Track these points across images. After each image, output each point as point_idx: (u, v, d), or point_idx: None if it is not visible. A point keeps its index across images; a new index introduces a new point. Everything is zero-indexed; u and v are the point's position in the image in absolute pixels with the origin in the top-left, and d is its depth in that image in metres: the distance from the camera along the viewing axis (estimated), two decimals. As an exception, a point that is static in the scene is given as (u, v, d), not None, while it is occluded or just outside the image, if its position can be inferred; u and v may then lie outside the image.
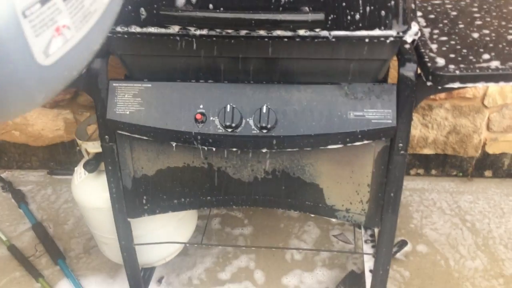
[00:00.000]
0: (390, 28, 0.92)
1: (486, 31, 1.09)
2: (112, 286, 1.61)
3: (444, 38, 1.06)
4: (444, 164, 2.00)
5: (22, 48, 0.46)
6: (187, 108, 1.05)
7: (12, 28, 0.45)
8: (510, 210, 1.85)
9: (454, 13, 1.18)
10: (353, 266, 1.64)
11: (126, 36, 0.96)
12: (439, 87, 0.97)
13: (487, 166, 1.99)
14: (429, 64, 0.97)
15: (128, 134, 1.10)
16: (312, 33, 0.91)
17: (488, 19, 1.14)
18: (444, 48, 1.02)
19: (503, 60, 0.97)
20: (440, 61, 0.98)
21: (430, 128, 1.89)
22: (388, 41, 0.92)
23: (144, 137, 1.10)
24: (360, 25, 0.91)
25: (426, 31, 1.10)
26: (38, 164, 2.14)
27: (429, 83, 0.98)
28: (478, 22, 1.13)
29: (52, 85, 0.53)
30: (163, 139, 1.10)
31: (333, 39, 0.92)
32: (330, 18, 0.90)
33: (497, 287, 1.57)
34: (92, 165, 1.31)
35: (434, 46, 1.03)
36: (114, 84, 1.07)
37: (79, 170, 1.41)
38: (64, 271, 1.64)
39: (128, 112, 1.06)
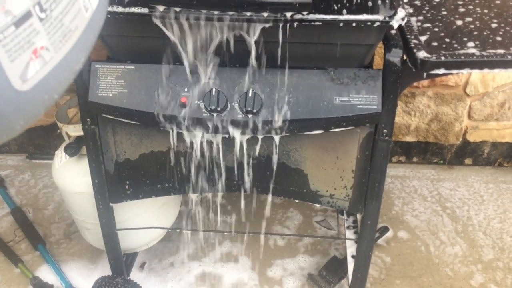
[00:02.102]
0: (377, 12, 0.91)
1: (470, 19, 1.09)
2: (93, 271, 1.59)
3: (428, 25, 1.06)
4: (426, 151, 2.02)
5: None
6: (171, 91, 1.03)
7: None
8: (489, 197, 1.88)
9: (438, -1, 1.18)
10: (335, 252, 1.65)
11: (108, 16, 0.93)
12: (425, 73, 0.98)
13: (467, 154, 2.02)
14: (414, 50, 0.97)
15: (111, 117, 1.08)
16: (299, 16, 0.90)
17: (471, 7, 1.14)
18: (429, 35, 1.03)
19: (488, 47, 0.98)
20: (426, 48, 0.98)
21: (412, 116, 1.90)
22: (374, 25, 0.91)
23: (127, 121, 1.09)
24: (347, 9, 0.90)
25: (412, 18, 1.10)
26: (16, 148, 2.10)
27: (414, 69, 0.98)
28: (462, 10, 1.13)
29: (32, 111, 0.48)
30: (146, 122, 1.08)
31: (320, 23, 0.91)
32: (317, 1, 0.89)
33: (476, 272, 1.60)
34: (73, 149, 1.29)
35: (419, 33, 1.03)
36: (96, 66, 1.05)
37: (60, 153, 1.38)
38: (44, 256, 1.62)
39: (110, 95, 1.04)
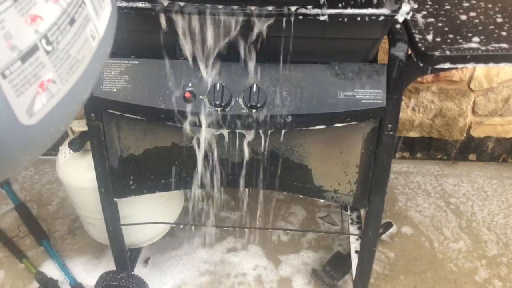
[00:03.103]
0: (382, 6, 0.91)
1: (474, 13, 1.09)
2: (97, 267, 1.59)
3: (432, 20, 1.06)
4: (429, 147, 2.02)
5: (2, 111, 0.41)
6: (175, 86, 1.03)
7: None
8: (493, 193, 1.88)
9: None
10: (339, 247, 1.65)
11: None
12: (430, 68, 0.97)
13: (471, 149, 2.02)
14: (419, 45, 0.97)
15: (115, 112, 1.08)
16: (304, 11, 0.90)
17: (474, 1, 1.14)
18: (433, 29, 1.02)
19: (493, 42, 0.97)
20: (430, 42, 0.97)
21: (416, 111, 1.90)
22: (379, 19, 0.91)
23: (131, 116, 1.08)
24: (352, 3, 0.90)
25: (417, 13, 1.09)
26: (20, 144, 2.10)
27: (419, 64, 0.97)
28: (466, 4, 1.13)
29: (38, 145, 0.47)
30: (150, 117, 1.08)
31: (325, 17, 0.90)
32: (322, -5, 0.89)
33: (480, 268, 1.59)
34: (77, 144, 1.29)
35: (423, 27, 1.03)
36: (100, 61, 1.05)
37: (64, 149, 1.38)
38: (49, 252, 1.62)
39: (115, 90, 1.04)
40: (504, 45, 0.96)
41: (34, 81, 0.44)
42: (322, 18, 0.90)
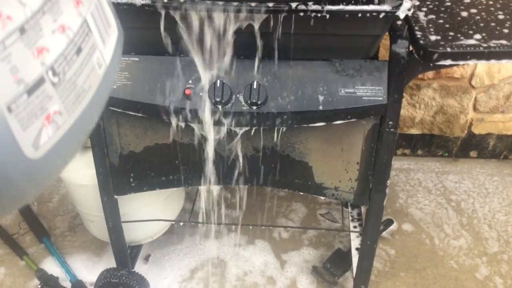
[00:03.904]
0: (383, 3, 0.91)
1: (475, 10, 1.08)
2: (98, 264, 1.60)
3: (433, 16, 1.06)
4: (430, 144, 2.01)
5: (8, 146, 0.40)
6: (176, 83, 1.03)
7: None
8: (494, 190, 1.88)
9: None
10: (340, 244, 1.65)
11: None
12: (431, 64, 0.97)
13: (472, 146, 2.01)
14: (421, 41, 0.97)
15: (115, 109, 1.08)
16: (305, 7, 0.89)
17: (475, -3, 1.14)
18: (434, 26, 1.02)
19: (494, 38, 0.97)
20: (432, 38, 0.97)
21: (417, 108, 1.89)
22: (380, 16, 0.91)
23: (132, 113, 1.08)
24: (353, -1, 0.90)
25: (418, 10, 1.09)
26: (21, 141, 2.10)
27: (420, 60, 0.97)
28: (467, 1, 1.12)
29: (44, 177, 0.46)
30: (151, 114, 1.08)
31: (326, 14, 0.90)
32: (323, -9, 0.88)
33: (481, 265, 1.59)
34: (77, 142, 1.29)
35: (425, 24, 1.02)
36: (100, 58, 1.05)
37: (64, 146, 1.38)
38: (49, 249, 1.62)
39: (115, 87, 1.04)
40: (506, 42, 0.96)
41: (41, 114, 0.43)
42: (322, 14, 0.90)
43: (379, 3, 0.90)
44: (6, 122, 0.40)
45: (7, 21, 0.40)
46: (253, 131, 1.09)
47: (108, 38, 0.54)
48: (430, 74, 1.80)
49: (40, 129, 0.43)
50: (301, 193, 1.24)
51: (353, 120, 1.05)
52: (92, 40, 0.50)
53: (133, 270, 1.45)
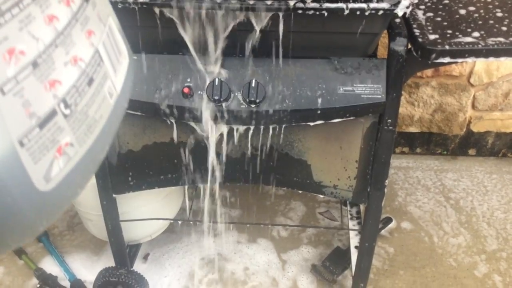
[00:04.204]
0: (382, 0, 0.90)
1: (473, 8, 1.08)
2: (97, 263, 1.59)
3: (431, 14, 1.06)
4: (429, 142, 2.01)
5: (20, 179, 0.40)
6: (174, 81, 1.03)
7: (8, 161, 0.39)
8: (493, 188, 1.88)
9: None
10: (339, 242, 1.65)
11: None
12: (429, 62, 0.97)
13: (471, 144, 2.01)
14: (419, 39, 0.97)
15: (113, 108, 1.08)
16: (303, 5, 0.89)
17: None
18: (433, 24, 1.02)
19: (493, 36, 0.97)
20: (430, 36, 0.97)
21: (416, 106, 1.89)
22: (379, 14, 0.90)
23: (130, 111, 1.08)
24: (352, -3, 0.90)
25: (416, 7, 1.09)
26: (19, 140, 2.10)
27: (419, 58, 0.97)
28: (464, -1, 1.12)
29: (55, 209, 0.46)
30: (149, 113, 1.07)
31: (324, 12, 0.90)
32: (321, -11, 0.88)
33: (480, 263, 1.59)
34: (76, 140, 1.28)
35: (423, 21, 1.02)
36: (98, 57, 1.04)
37: (63, 145, 1.38)
38: (48, 248, 1.62)
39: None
40: (504, 39, 0.96)
41: (52, 146, 0.43)
42: (321, 12, 0.89)
43: (377, 1, 0.90)
44: (18, 156, 0.39)
45: (20, 56, 0.39)
46: (251, 129, 1.09)
47: (119, 66, 0.53)
48: (428, 72, 1.80)
49: (51, 162, 0.43)
50: (300, 192, 1.24)
51: (352, 118, 1.05)
52: (104, 70, 0.50)
53: (132, 269, 1.44)
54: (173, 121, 1.08)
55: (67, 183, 0.45)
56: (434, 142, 2.01)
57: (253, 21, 0.93)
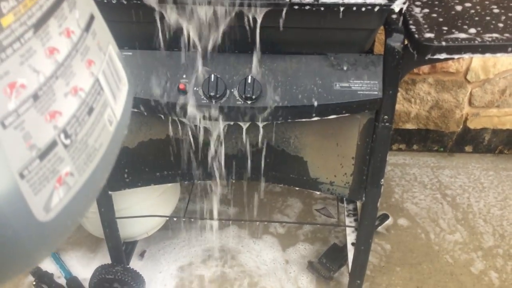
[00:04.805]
0: (378, -4, 0.90)
1: (469, 4, 1.08)
2: (93, 260, 1.59)
3: (427, 10, 1.05)
4: (426, 139, 2.01)
5: (20, 211, 0.40)
6: (169, 77, 1.02)
7: (8, 194, 0.39)
8: (489, 184, 1.88)
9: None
10: (336, 239, 1.65)
11: (105, 1, 0.92)
12: (426, 58, 0.96)
13: (467, 141, 2.01)
14: (416, 35, 0.96)
15: (109, 104, 1.07)
16: (299, 0, 0.89)
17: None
18: (429, 20, 1.01)
19: (489, 32, 0.97)
20: (427, 32, 0.97)
21: (413, 103, 1.89)
22: (375, 9, 0.90)
23: (125, 108, 1.07)
24: (348, -7, 0.89)
25: (412, 3, 1.08)
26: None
27: (415, 54, 0.97)
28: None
29: (55, 239, 0.46)
30: (144, 109, 1.07)
31: (320, 7, 0.89)
32: (317, -15, 0.88)
33: (476, 259, 1.60)
34: (71, 137, 1.28)
35: (420, 17, 1.02)
36: (93, 53, 1.04)
37: (58, 142, 1.37)
38: (44, 245, 1.61)
39: (108, 82, 1.03)
40: (501, 36, 0.95)
41: (52, 177, 0.43)
42: (317, 8, 0.89)
43: (374, -3, 0.90)
44: (18, 188, 0.39)
45: (21, 89, 0.39)
46: (247, 126, 1.09)
47: (119, 93, 0.53)
48: (425, 68, 1.80)
49: (51, 192, 0.43)
50: (297, 188, 1.24)
51: (348, 114, 1.04)
52: (104, 98, 0.50)
53: (128, 266, 1.44)
54: (168, 117, 1.08)
55: (67, 213, 0.45)
56: (430, 139, 2.01)
57: (249, 17, 0.92)
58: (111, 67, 0.52)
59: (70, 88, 0.44)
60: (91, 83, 0.48)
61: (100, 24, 0.52)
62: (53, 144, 0.43)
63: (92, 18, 0.49)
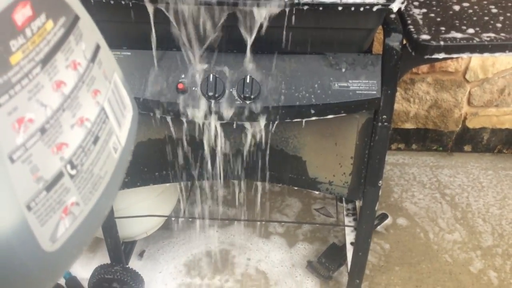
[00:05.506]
0: (377, -4, 0.90)
1: (467, 4, 1.08)
2: (92, 260, 1.59)
3: (426, 10, 1.05)
4: (425, 138, 2.02)
5: (27, 242, 0.40)
6: (168, 77, 1.02)
7: (16, 226, 0.39)
8: (488, 184, 1.88)
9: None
10: (335, 239, 1.65)
11: (103, 0, 0.92)
12: (424, 58, 0.96)
13: (466, 140, 2.01)
14: (414, 35, 0.96)
15: (107, 104, 1.07)
16: (298, 0, 0.89)
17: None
18: (428, 20, 1.01)
19: (488, 32, 0.97)
20: (425, 32, 0.97)
21: (411, 103, 1.89)
22: (374, 9, 0.90)
23: (124, 108, 1.07)
24: (346, -8, 0.89)
25: (411, 3, 1.09)
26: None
27: (414, 54, 0.97)
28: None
29: (60, 268, 0.46)
30: (143, 109, 1.07)
31: (319, 7, 0.89)
32: (315, -15, 0.88)
33: (475, 259, 1.60)
34: (70, 137, 1.28)
35: (418, 17, 1.02)
36: (92, 53, 1.04)
37: (57, 142, 1.37)
38: (43, 245, 1.61)
39: (107, 82, 1.03)
40: (499, 35, 0.96)
41: (58, 207, 0.43)
42: (315, 8, 0.89)
43: (372, -4, 0.90)
44: (25, 220, 0.40)
45: (28, 124, 0.40)
46: (246, 125, 1.09)
47: (123, 119, 0.54)
48: (424, 68, 1.80)
49: (57, 223, 0.43)
50: (296, 188, 1.24)
51: (347, 114, 1.04)
52: (109, 126, 0.50)
53: (127, 266, 1.44)
54: (167, 117, 1.08)
55: (72, 242, 0.45)
56: (429, 139, 2.01)
57: (248, 16, 0.92)
58: (116, 95, 0.52)
59: (76, 119, 0.45)
60: (97, 113, 0.48)
61: (105, 52, 0.52)
62: (59, 176, 0.43)
63: (98, 48, 0.50)
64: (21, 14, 0.38)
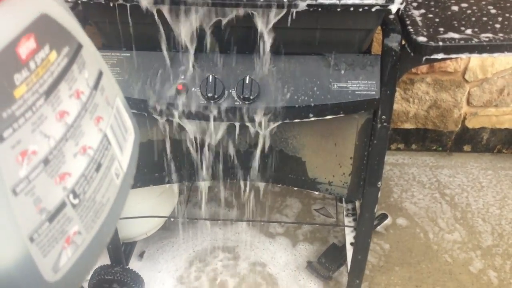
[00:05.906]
0: (375, -3, 0.90)
1: (465, 4, 1.08)
2: (92, 261, 1.59)
3: (425, 10, 1.06)
4: (424, 138, 2.02)
5: (30, 273, 0.40)
6: (168, 78, 1.02)
7: (18, 257, 0.39)
8: (488, 184, 1.88)
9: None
10: (334, 239, 1.65)
11: (103, 2, 0.92)
12: (423, 58, 0.97)
13: (466, 140, 2.02)
14: (413, 35, 0.97)
15: (107, 105, 1.07)
16: (297, 1, 0.89)
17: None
18: (427, 20, 1.02)
19: (487, 32, 0.97)
20: (424, 32, 0.97)
21: (411, 103, 1.89)
22: (373, 10, 0.90)
23: (124, 109, 1.08)
24: (345, -7, 0.89)
25: (410, 4, 1.09)
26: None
27: (413, 54, 0.97)
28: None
29: None
30: (143, 110, 1.07)
31: (318, 8, 0.90)
32: (314, -15, 0.88)
33: (475, 259, 1.60)
34: (70, 138, 1.28)
35: (417, 18, 1.02)
36: (91, 54, 1.04)
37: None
38: (43, 246, 1.61)
39: (106, 83, 1.03)
40: (497, 36, 0.96)
41: (61, 237, 0.43)
42: (315, 8, 0.89)
43: (371, -3, 0.90)
44: (28, 252, 0.39)
45: (32, 156, 0.40)
46: (245, 126, 1.09)
47: (125, 143, 0.53)
48: (423, 68, 1.80)
49: (60, 253, 0.43)
50: (295, 189, 1.24)
51: (346, 114, 1.05)
52: (111, 153, 0.50)
53: (127, 267, 1.44)
54: (167, 118, 1.08)
55: (75, 271, 0.45)
56: (429, 139, 2.02)
57: (247, 17, 0.93)
58: (118, 120, 0.52)
59: (79, 148, 0.45)
60: (99, 140, 0.48)
61: (107, 78, 0.51)
62: (62, 206, 0.43)
63: (100, 74, 0.49)
64: (25, 47, 0.38)
